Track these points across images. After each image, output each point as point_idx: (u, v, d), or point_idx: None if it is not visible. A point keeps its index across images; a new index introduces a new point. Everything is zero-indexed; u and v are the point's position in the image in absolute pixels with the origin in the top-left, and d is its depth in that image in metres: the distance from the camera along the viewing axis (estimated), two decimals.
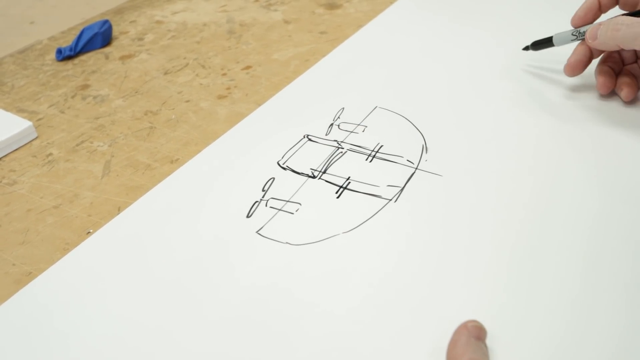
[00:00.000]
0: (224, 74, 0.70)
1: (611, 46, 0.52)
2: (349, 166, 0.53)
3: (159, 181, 0.54)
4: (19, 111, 0.67)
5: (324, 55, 0.71)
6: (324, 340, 0.39)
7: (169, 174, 0.55)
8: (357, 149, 0.55)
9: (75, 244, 0.48)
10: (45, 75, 0.75)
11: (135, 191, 0.53)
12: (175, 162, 0.57)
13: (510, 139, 0.54)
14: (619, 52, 0.57)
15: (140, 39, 0.81)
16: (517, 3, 0.77)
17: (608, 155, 0.51)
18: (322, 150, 0.55)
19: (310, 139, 0.57)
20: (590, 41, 0.53)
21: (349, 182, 0.51)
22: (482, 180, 0.50)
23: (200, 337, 0.40)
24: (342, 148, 0.55)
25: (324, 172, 0.53)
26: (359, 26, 0.76)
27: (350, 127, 0.58)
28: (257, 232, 0.47)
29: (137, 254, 0.47)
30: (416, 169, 0.52)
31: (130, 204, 0.52)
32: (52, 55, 0.79)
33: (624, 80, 0.55)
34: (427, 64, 0.67)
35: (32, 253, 0.49)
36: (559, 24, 0.59)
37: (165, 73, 0.72)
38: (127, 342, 0.40)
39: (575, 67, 0.56)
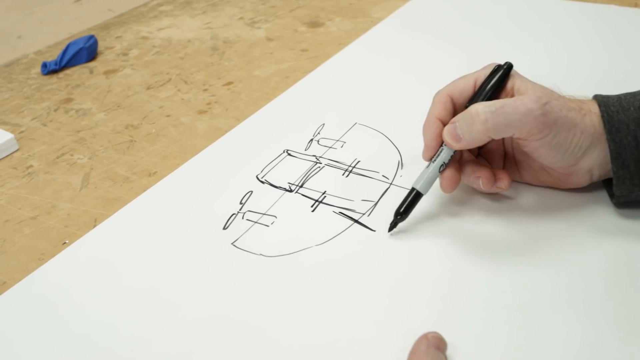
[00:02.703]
0: (205, 90, 0.71)
1: (482, 141, 0.45)
2: (325, 181, 0.54)
3: (137, 194, 0.54)
4: (2, 124, 0.68)
5: (304, 72, 0.72)
6: (289, 350, 0.39)
7: (147, 187, 0.55)
8: (334, 164, 0.56)
9: (51, 254, 0.49)
10: (29, 88, 0.75)
11: (113, 203, 0.54)
12: (153, 175, 0.57)
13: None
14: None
15: (125, 54, 0.81)
16: (496, 25, 0.78)
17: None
18: (300, 165, 0.56)
19: (289, 154, 0.58)
20: (455, 144, 0.45)
21: (325, 197, 0.52)
22: (453, 195, 0.50)
23: (178, 343, 0.40)
24: (320, 163, 0.56)
25: (301, 187, 0.53)
26: (340, 44, 0.78)
27: (329, 143, 0.59)
28: (232, 243, 0.48)
29: (112, 265, 0.47)
30: (391, 184, 0.52)
31: (107, 215, 0.52)
32: (38, 69, 0.79)
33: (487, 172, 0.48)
34: (407, 82, 0.68)
35: (8, 263, 0.49)
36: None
37: (148, 88, 0.73)
38: (101, 352, 0.40)
39: (453, 183, 0.47)
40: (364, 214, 0.49)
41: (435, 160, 0.47)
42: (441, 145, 0.47)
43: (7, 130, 0.65)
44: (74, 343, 0.41)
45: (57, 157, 0.61)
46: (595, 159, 0.45)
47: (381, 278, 0.44)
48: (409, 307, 0.41)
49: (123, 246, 0.49)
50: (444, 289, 0.42)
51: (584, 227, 0.46)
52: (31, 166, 0.60)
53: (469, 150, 0.49)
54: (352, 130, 0.60)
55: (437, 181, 0.48)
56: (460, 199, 0.50)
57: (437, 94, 0.49)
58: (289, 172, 0.55)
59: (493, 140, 0.48)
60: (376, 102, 0.65)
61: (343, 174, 0.54)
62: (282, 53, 0.78)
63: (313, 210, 0.50)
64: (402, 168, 0.54)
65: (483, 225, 0.47)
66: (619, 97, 0.45)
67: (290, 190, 0.53)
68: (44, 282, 0.46)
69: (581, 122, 0.44)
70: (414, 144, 0.56)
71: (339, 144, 0.58)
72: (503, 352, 0.38)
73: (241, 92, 0.70)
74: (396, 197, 0.50)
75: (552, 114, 0.43)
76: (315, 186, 0.53)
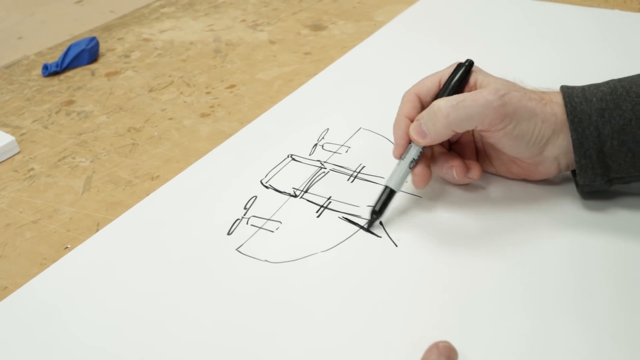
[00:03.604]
0: (208, 92, 0.71)
1: (446, 135, 0.46)
2: (330, 186, 0.53)
3: (139, 197, 0.54)
4: (3, 126, 0.67)
5: (307, 76, 0.71)
6: (295, 356, 0.38)
7: (150, 191, 0.55)
8: (339, 169, 0.55)
9: (53, 259, 0.48)
10: (30, 90, 0.75)
11: (115, 207, 0.53)
12: (156, 179, 0.57)
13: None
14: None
15: (127, 56, 0.81)
16: (499, 29, 0.78)
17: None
18: (305, 170, 0.55)
19: (294, 159, 0.57)
20: (421, 140, 0.47)
21: (330, 202, 0.51)
22: (461, 202, 0.50)
23: (182, 349, 0.40)
24: (325, 168, 0.56)
25: (306, 192, 0.53)
26: (344, 47, 0.77)
27: (333, 148, 0.58)
28: (237, 249, 0.47)
29: (115, 270, 0.46)
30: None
31: (110, 219, 0.52)
32: (39, 70, 0.79)
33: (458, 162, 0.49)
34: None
35: (9, 267, 0.48)
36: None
37: (150, 90, 0.72)
38: (104, 359, 0.40)
39: (424, 179, 0.49)
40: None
41: (405, 157, 0.48)
42: (410, 143, 0.48)
43: (7, 132, 0.65)
44: (76, 349, 0.41)
45: (59, 160, 0.61)
46: (559, 147, 0.46)
47: (387, 285, 0.43)
48: (416, 314, 0.41)
49: (126, 251, 0.48)
50: (452, 294, 0.42)
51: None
52: (32, 169, 0.60)
53: (441, 145, 0.51)
54: (356, 135, 0.60)
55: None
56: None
57: (405, 93, 0.51)
58: (293, 177, 0.55)
59: (464, 135, 0.51)
60: (381, 107, 0.64)
61: (348, 179, 0.54)
62: (285, 56, 0.77)
63: (318, 216, 0.50)
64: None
65: (498, 242, 0.47)
66: (582, 88, 0.46)
67: (295, 196, 0.52)
68: (46, 288, 0.46)
69: (541, 112, 0.45)
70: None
71: (344, 149, 0.58)
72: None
73: (244, 95, 0.69)
74: (402, 203, 0.50)
75: (510, 105, 0.44)
76: (320, 191, 0.53)
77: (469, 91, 0.48)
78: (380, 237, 0.47)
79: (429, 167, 0.49)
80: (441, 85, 0.49)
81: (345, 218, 0.49)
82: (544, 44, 0.73)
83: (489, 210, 0.49)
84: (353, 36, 0.80)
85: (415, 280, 0.43)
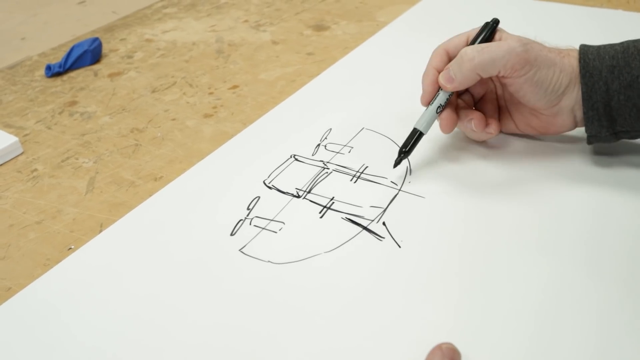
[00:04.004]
0: (211, 93, 0.71)
1: (472, 79, 0.50)
2: (333, 186, 0.53)
3: (142, 198, 0.54)
4: (6, 126, 0.67)
5: (310, 76, 0.71)
6: (298, 358, 0.39)
7: (153, 192, 0.55)
8: (342, 169, 0.55)
9: (57, 260, 0.48)
10: (33, 91, 0.75)
11: (118, 208, 0.53)
12: (159, 180, 0.57)
13: (494, 162, 0.54)
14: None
15: (130, 57, 0.81)
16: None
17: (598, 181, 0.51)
18: (307, 170, 0.55)
19: (296, 159, 0.57)
20: (448, 85, 0.51)
21: (333, 203, 0.51)
22: (464, 203, 0.50)
23: (186, 351, 0.40)
24: (328, 168, 0.56)
25: (309, 192, 0.53)
26: (346, 48, 0.77)
27: (336, 148, 0.58)
28: (240, 250, 0.47)
29: (118, 271, 0.47)
30: (399, 190, 0.52)
31: (113, 220, 0.52)
32: (42, 71, 0.79)
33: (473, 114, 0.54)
34: (414, 87, 0.67)
35: (13, 268, 0.48)
36: None
37: (153, 91, 0.72)
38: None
39: (450, 123, 0.53)
40: (372, 220, 0.49)
41: (433, 102, 0.53)
42: (438, 90, 0.53)
43: (11, 133, 0.65)
44: (80, 350, 0.41)
45: (62, 161, 0.61)
46: (574, 98, 0.50)
47: (391, 286, 0.43)
48: (420, 315, 0.41)
49: (129, 252, 0.48)
50: (455, 295, 0.42)
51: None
52: (36, 170, 0.60)
53: (465, 102, 0.56)
54: (359, 135, 0.60)
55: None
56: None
57: (435, 49, 0.55)
58: (296, 177, 0.55)
59: (487, 93, 0.56)
60: (383, 107, 0.64)
61: (351, 180, 0.54)
62: (288, 56, 0.77)
63: (321, 217, 0.50)
64: (410, 174, 0.54)
65: (502, 242, 0.47)
66: (598, 47, 0.50)
67: (298, 196, 0.52)
68: (49, 288, 0.46)
69: (560, 62, 0.49)
70: (423, 150, 0.56)
71: (347, 149, 0.58)
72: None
73: (247, 96, 0.69)
74: (405, 204, 0.50)
75: (532, 52, 0.49)
76: (323, 192, 0.53)
77: None
78: (384, 237, 0.47)
79: (454, 112, 0.53)
80: (468, 42, 0.53)
81: (349, 219, 0.49)
82: (546, 43, 0.72)
83: (491, 211, 0.49)
84: (355, 36, 0.80)
85: (418, 281, 0.43)
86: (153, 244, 0.49)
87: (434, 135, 0.58)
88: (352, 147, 0.58)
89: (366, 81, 0.69)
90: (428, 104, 0.53)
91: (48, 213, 0.54)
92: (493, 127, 0.53)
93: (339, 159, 0.57)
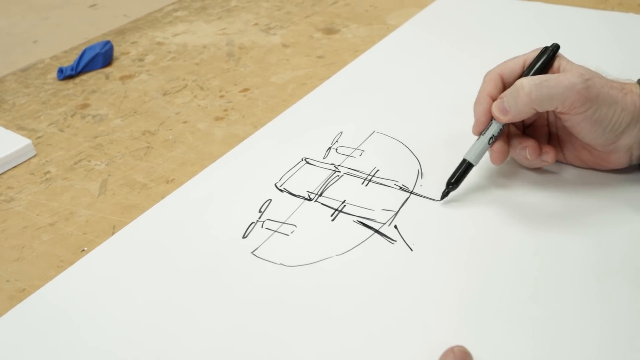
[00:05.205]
0: (222, 96, 0.71)
1: (528, 113, 0.48)
2: (344, 190, 0.53)
3: (155, 201, 0.54)
4: (19, 129, 0.68)
5: (320, 79, 0.71)
6: None
7: (165, 194, 0.55)
8: (353, 172, 0.55)
9: (70, 261, 0.49)
10: (46, 93, 0.75)
11: (131, 210, 0.54)
12: (171, 182, 0.57)
13: (507, 167, 0.54)
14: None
15: (141, 60, 0.82)
16: (512, 32, 0.78)
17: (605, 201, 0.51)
18: (319, 173, 0.56)
19: (308, 162, 0.57)
20: (502, 117, 0.48)
21: (344, 206, 0.51)
22: (475, 206, 0.50)
23: (198, 354, 0.40)
24: (339, 171, 0.56)
25: (320, 195, 0.53)
26: (356, 51, 0.77)
27: (347, 151, 0.58)
28: (252, 252, 0.48)
29: (131, 273, 0.47)
30: (411, 193, 0.52)
31: (125, 222, 0.52)
32: (54, 74, 0.79)
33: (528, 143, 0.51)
34: (424, 90, 0.68)
35: (27, 270, 0.49)
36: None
37: (164, 94, 0.73)
38: None
39: (502, 155, 0.50)
40: (384, 223, 0.49)
41: (484, 133, 0.50)
42: (490, 120, 0.50)
43: (24, 135, 0.65)
44: (94, 351, 0.41)
45: (75, 163, 0.61)
46: (634, 138, 0.47)
47: (403, 289, 0.43)
48: (432, 318, 0.41)
49: (142, 254, 0.48)
50: (467, 299, 0.42)
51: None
52: (49, 172, 0.60)
53: (516, 127, 0.53)
54: (370, 138, 0.60)
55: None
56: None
57: (488, 73, 0.52)
58: (307, 180, 0.55)
59: (538, 119, 0.52)
60: (394, 110, 0.64)
61: (362, 183, 0.54)
62: (298, 59, 0.78)
63: (333, 220, 0.50)
64: (422, 177, 0.54)
65: (513, 245, 0.47)
66: None
67: (310, 199, 0.53)
68: (63, 290, 0.46)
69: (622, 100, 0.46)
70: (434, 153, 0.56)
71: (358, 152, 0.58)
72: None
73: (258, 99, 0.70)
74: (417, 207, 0.50)
75: (594, 89, 0.45)
76: (334, 195, 0.53)
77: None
78: (396, 241, 0.47)
79: (507, 144, 0.51)
80: (525, 68, 0.51)
81: (360, 222, 0.50)
82: (557, 40, 0.72)
83: (503, 215, 0.49)
84: (365, 39, 0.81)
85: (430, 285, 0.43)
86: (165, 247, 0.49)
87: (448, 138, 0.58)
88: (363, 151, 0.58)
89: (376, 84, 0.69)
90: (480, 133, 0.50)
91: (61, 215, 0.54)
92: (550, 156, 0.50)
93: (350, 162, 0.57)
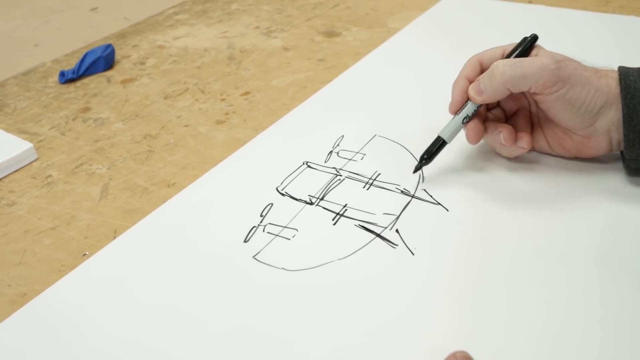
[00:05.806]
0: (223, 99, 0.71)
1: (502, 93, 0.49)
2: (346, 193, 0.53)
3: (156, 205, 0.54)
4: (20, 132, 0.68)
5: (321, 83, 0.71)
6: None
7: (166, 198, 0.55)
8: (355, 176, 0.55)
9: (71, 266, 0.49)
10: (47, 97, 0.75)
11: (132, 214, 0.54)
12: (172, 186, 0.57)
13: (509, 171, 0.54)
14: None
15: (142, 63, 0.82)
16: (514, 36, 0.78)
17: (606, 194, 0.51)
18: (320, 177, 0.56)
19: (309, 166, 0.57)
20: (477, 97, 0.50)
21: (346, 210, 0.51)
22: (478, 209, 0.50)
23: (200, 358, 0.40)
24: (341, 175, 0.56)
25: (322, 199, 0.53)
26: (357, 54, 0.77)
27: (349, 155, 0.58)
28: (253, 257, 0.48)
29: (133, 277, 0.47)
30: (412, 197, 0.52)
31: (127, 226, 0.52)
32: (55, 77, 0.79)
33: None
34: (426, 93, 0.68)
35: (28, 274, 0.49)
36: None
37: (166, 97, 0.73)
38: None
39: (476, 134, 0.52)
40: (385, 227, 0.49)
41: (459, 112, 0.52)
42: (466, 101, 0.52)
43: (25, 139, 0.65)
44: (95, 356, 0.41)
45: (76, 167, 0.61)
46: (611, 119, 0.48)
47: (404, 293, 0.43)
48: (434, 323, 0.41)
49: (143, 258, 0.48)
50: (468, 303, 0.42)
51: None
52: (50, 176, 0.60)
53: (496, 116, 0.55)
54: (371, 142, 0.60)
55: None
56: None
57: (469, 59, 0.54)
58: (309, 184, 0.55)
59: (520, 109, 0.54)
60: (395, 114, 0.64)
61: (364, 187, 0.54)
62: (299, 63, 0.78)
63: (334, 224, 0.50)
64: (423, 181, 0.54)
65: (516, 249, 0.47)
66: (639, 69, 0.49)
67: (311, 203, 0.53)
68: (65, 295, 0.46)
69: (596, 82, 0.48)
70: (436, 157, 0.56)
71: (359, 156, 0.58)
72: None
73: (259, 102, 0.70)
74: (418, 211, 0.50)
75: (566, 69, 0.47)
76: (336, 199, 0.53)
77: None
78: (397, 245, 0.47)
79: (482, 124, 0.52)
80: (504, 56, 0.52)
81: (362, 226, 0.49)
82: (559, 50, 0.72)
83: (506, 219, 0.49)
84: (366, 43, 0.81)
85: (432, 289, 0.43)
86: (166, 251, 0.49)
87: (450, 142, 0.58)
88: (365, 154, 0.58)
89: (378, 88, 0.69)
90: (456, 112, 0.53)
91: (63, 219, 0.54)
92: (525, 141, 0.51)
93: (352, 166, 0.57)
